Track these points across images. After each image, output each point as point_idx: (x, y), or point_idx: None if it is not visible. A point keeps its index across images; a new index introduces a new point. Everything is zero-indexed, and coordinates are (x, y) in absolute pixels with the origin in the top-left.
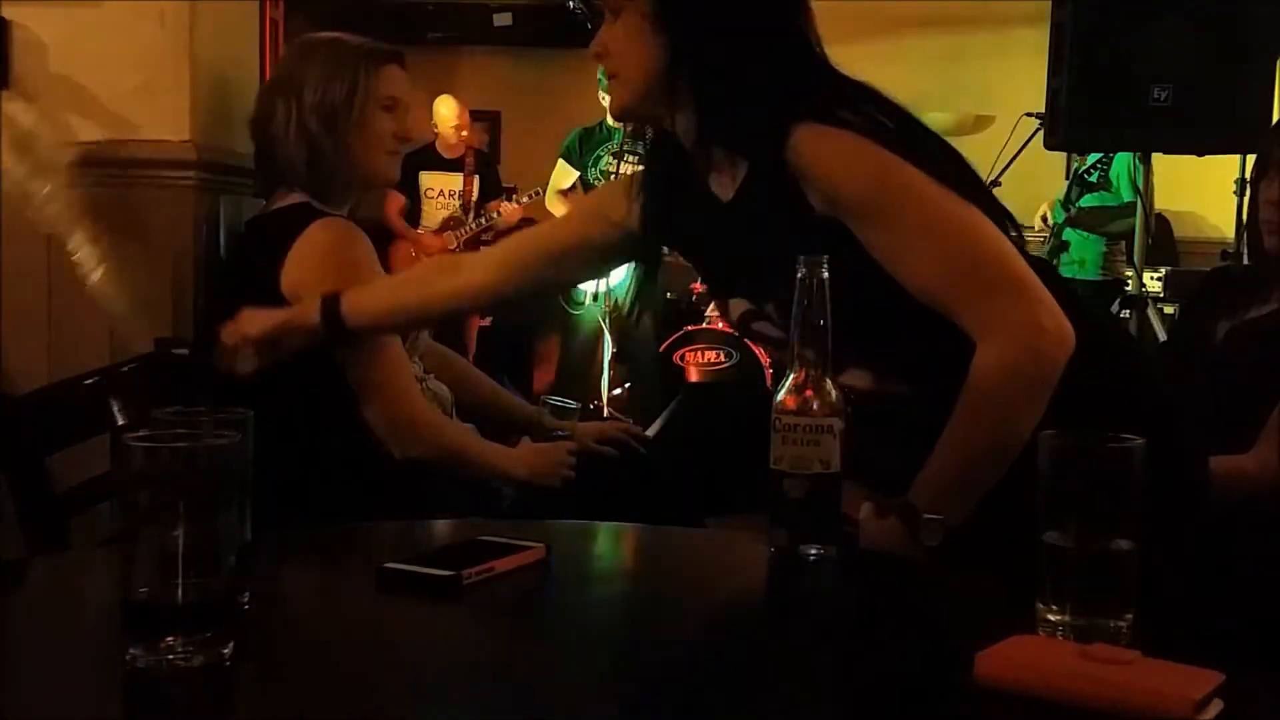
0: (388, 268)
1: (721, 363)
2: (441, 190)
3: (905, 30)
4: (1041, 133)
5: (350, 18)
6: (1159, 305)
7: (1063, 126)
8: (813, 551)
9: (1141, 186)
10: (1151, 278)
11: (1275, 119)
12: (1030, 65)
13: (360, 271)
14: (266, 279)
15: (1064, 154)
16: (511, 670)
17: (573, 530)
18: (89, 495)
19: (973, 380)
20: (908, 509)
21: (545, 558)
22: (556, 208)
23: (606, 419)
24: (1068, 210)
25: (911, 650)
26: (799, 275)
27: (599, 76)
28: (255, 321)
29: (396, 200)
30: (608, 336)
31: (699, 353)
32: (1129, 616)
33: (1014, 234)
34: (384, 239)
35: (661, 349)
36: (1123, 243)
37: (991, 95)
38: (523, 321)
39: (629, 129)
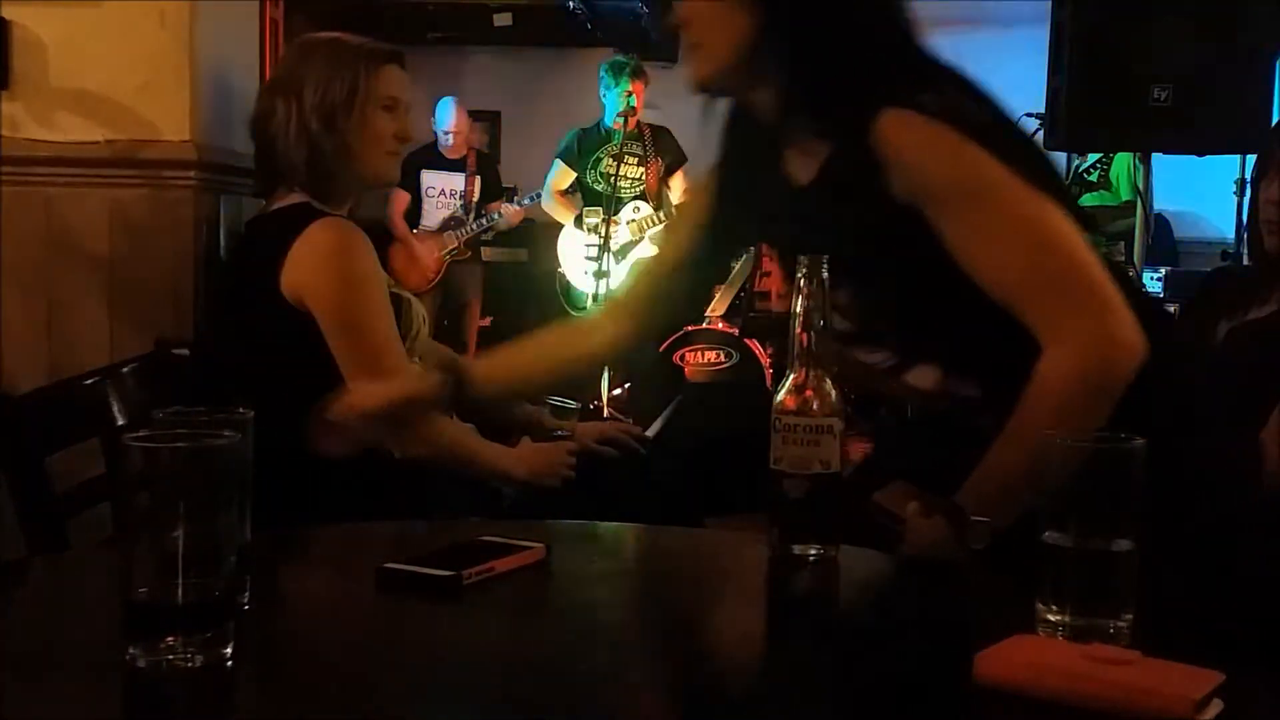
0: (387, 268)
1: (721, 363)
2: (443, 189)
3: None
4: (1041, 133)
5: (350, 18)
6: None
7: (1063, 126)
8: (813, 552)
9: (1141, 186)
10: (1151, 278)
11: (1275, 119)
12: (1030, 65)
13: (360, 271)
14: (266, 279)
15: (1064, 154)
16: (511, 670)
17: (573, 530)
18: (89, 495)
19: (1037, 384)
20: (955, 510)
21: (545, 558)
22: (554, 209)
23: (606, 419)
24: None
25: (911, 650)
26: (799, 275)
27: (599, 76)
28: (372, 396)
29: (402, 199)
30: None
31: (699, 353)
32: (1129, 616)
33: (1091, 239)
34: (384, 239)
35: (661, 349)
36: (1122, 243)
37: None
38: (523, 322)
39: (628, 128)
